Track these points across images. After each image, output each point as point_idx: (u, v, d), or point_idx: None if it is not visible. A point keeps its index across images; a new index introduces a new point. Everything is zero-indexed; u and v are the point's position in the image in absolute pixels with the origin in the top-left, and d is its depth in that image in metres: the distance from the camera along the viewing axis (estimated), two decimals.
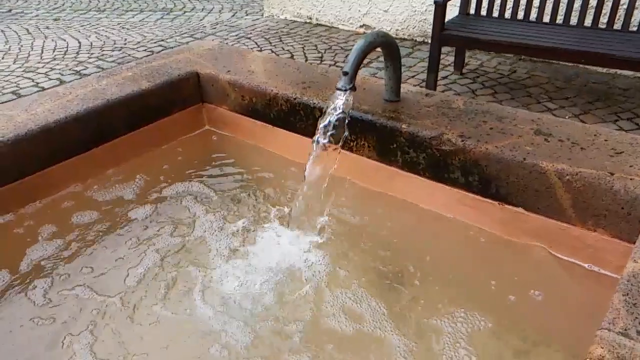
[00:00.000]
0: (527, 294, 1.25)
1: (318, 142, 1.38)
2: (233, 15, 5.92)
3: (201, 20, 5.77)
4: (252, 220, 1.54)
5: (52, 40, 5.06)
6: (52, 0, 6.87)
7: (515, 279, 1.30)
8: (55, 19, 5.91)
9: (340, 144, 1.40)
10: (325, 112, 1.39)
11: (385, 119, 1.48)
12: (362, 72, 2.90)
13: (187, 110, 1.93)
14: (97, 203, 1.60)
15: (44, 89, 3.81)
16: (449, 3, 3.32)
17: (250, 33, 5.17)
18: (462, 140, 1.35)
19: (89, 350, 1.15)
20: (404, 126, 1.44)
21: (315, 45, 4.71)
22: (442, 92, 2.63)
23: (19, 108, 1.62)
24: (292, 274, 1.35)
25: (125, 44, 4.90)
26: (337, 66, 4.15)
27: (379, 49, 1.45)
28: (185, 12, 6.15)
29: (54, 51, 4.71)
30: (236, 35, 5.11)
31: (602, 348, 0.78)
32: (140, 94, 1.75)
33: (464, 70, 3.98)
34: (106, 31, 5.36)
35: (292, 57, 4.41)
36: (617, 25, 3.33)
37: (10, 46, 4.91)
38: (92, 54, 4.62)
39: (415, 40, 4.80)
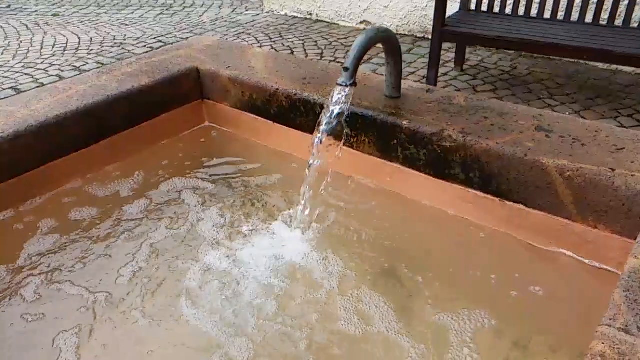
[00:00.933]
0: (528, 290, 1.25)
1: (319, 139, 1.38)
2: (233, 11, 5.90)
3: (201, 16, 5.75)
4: (253, 217, 1.54)
5: (52, 36, 5.04)
6: None
7: (516, 275, 1.30)
8: (54, 15, 5.90)
9: (342, 141, 1.40)
10: (325, 108, 1.38)
11: (386, 115, 1.48)
12: (363, 69, 2.90)
13: (187, 106, 1.92)
14: (97, 199, 1.60)
15: (43, 85, 3.81)
16: None
17: (250, 29, 5.16)
18: (463, 137, 1.35)
19: (83, 347, 1.15)
20: (404, 122, 1.44)
21: (316, 42, 4.70)
22: (442, 88, 2.61)
23: (18, 104, 1.61)
24: (292, 271, 1.34)
25: (124, 40, 4.89)
26: (337, 62, 4.14)
27: (379, 45, 1.45)
28: (184, 8, 6.13)
29: (53, 47, 4.70)
30: (236, 31, 5.10)
31: (603, 344, 0.78)
32: (140, 90, 1.74)
33: (465, 67, 3.97)
34: (106, 27, 5.34)
35: (292, 53, 4.40)
36: (618, 22, 3.32)
37: (9, 42, 4.90)
38: (91, 50, 4.61)
39: (416, 37, 4.79)
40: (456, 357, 1.10)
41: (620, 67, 3.78)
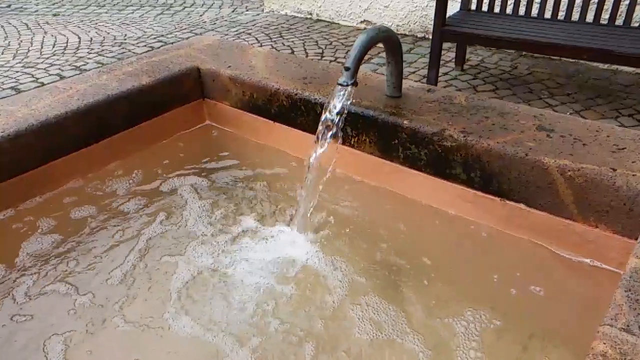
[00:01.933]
0: (529, 290, 1.25)
1: (320, 139, 1.38)
2: (233, 11, 5.90)
3: (201, 15, 5.75)
4: (253, 217, 1.54)
5: (52, 35, 5.04)
6: None
7: (517, 274, 1.30)
8: (54, 15, 5.90)
9: (339, 140, 1.40)
10: (326, 108, 1.38)
11: (387, 115, 1.47)
12: (363, 68, 2.90)
13: (188, 106, 1.92)
14: (97, 198, 1.59)
15: (43, 84, 3.81)
16: None
17: (251, 28, 5.16)
18: (464, 136, 1.35)
19: (73, 351, 1.15)
20: (405, 122, 1.44)
21: (316, 41, 4.70)
22: (443, 88, 2.61)
23: (19, 103, 1.61)
24: (292, 271, 1.34)
25: (125, 39, 4.89)
26: (337, 62, 4.14)
27: (380, 45, 1.45)
28: (185, 7, 6.13)
29: (53, 46, 4.70)
30: (236, 30, 5.10)
31: (605, 344, 0.78)
32: (140, 90, 1.74)
33: (465, 66, 3.97)
34: (106, 27, 5.34)
35: (292, 52, 4.40)
36: (619, 21, 3.32)
37: (9, 41, 4.90)
38: (91, 49, 4.61)
39: (416, 36, 4.79)
40: (456, 357, 1.10)
41: (620, 67, 3.78)
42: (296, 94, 1.66)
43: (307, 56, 4.31)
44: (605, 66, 3.84)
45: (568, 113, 3.17)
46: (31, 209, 1.52)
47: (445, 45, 3.86)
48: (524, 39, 3.10)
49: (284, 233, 1.47)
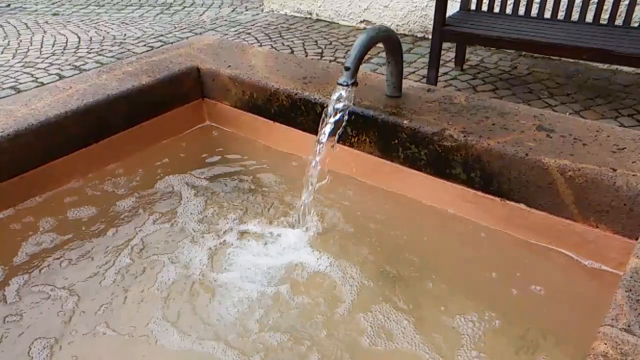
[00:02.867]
0: (529, 289, 1.25)
1: (321, 140, 1.37)
2: (233, 11, 5.90)
3: (201, 15, 5.75)
4: (253, 217, 1.54)
5: (51, 35, 5.04)
6: None
7: (517, 274, 1.30)
8: (54, 14, 5.89)
9: (336, 139, 1.40)
10: (326, 108, 1.38)
11: (387, 115, 1.47)
12: (363, 68, 2.89)
13: (188, 106, 1.92)
14: (97, 198, 1.59)
15: (43, 84, 3.80)
16: None
17: (250, 28, 5.15)
18: (464, 136, 1.35)
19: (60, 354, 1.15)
20: (405, 122, 1.44)
21: (316, 41, 4.70)
22: (443, 87, 2.61)
23: (18, 103, 1.61)
24: (292, 270, 1.34)
25: (124, 39, 4.89)
26: (337, 62, 4.14)
27: (379, 45, 1.45)
28: (184, 7, 6.12)
29: (53, 46, 4.69)
30: (236, 30, 5.10)
31: (606, 344, 0.78)
32: (140, 89, 1.74)
33: (465, 66, 3.97)
34: (105, 26, 5.34)
35: (292, 52, 4.40)
36: (619, 22, 3.32)
37: (9, 41, 4.89)
38: (91, 49, 4.61)
39: (416, 36, 4.79)
40: (456, 357, 1.10)
41: (620, 67, 3.78)
42: (296, 94, 1.66)
43: (306, 56, 4.31)
44: (605, 66, 3.84)
45: (568, 113, 3.17)
46: (31, 209, 1.52)
47: (445, 45, 3.86)
48: (523, 39, 3.10)
49: (284, 233, 1.47)
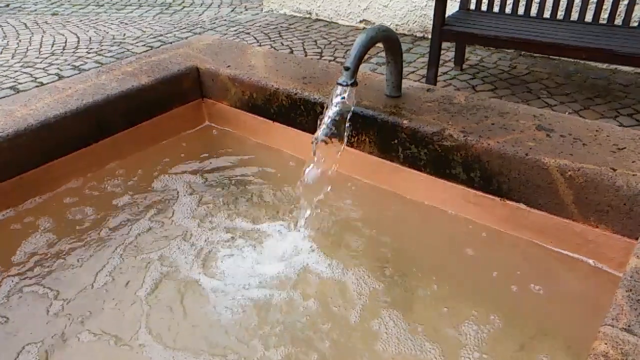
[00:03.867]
0: (529, 289, 1.25)
1: (319, 140, 1.37)
2: (232, 10, 5.89)
3: (200, 15, 5.74)
4: (252, 217, 1.54)
5: (51, 35, 5.03)
6: None
7: (517, 274, 1.30)
8: (53, 14, 5.88)
9: (345, 141, 1.40)
10: (326, 108, 1.38)
11: (387, 115, 1.47)
12: (362, 68, 2.88)
13: (187, 106, 1.92)
14: (96, 198, 1.59)
15: (42, 84, 3.80)
16: None
17: (250, 28, 5.15)
18: (464, 136, 1.35)
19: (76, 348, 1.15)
20: (405, 122, 1.44)
21: (315, 41, 4.69)
22: (442, 87, 2.61)
23: (18, 103, 1.61)
24: (291, 271, 1.34)
25: (124, 39, 4.88)
26: (337, 62, 4.13)
27: (379, 45, 1.44)
28: (184, 7, 6.12)
29: (52, 46, 4.69)
30: (235, 30, 5.09)
31: (606, 344, 0.78)
32: (139, 89, 1.74)
33: (464, 66, 3.97)
34: (105, 26, 5.33)
35: (291, 52, 4.39)
36: (618, 21, 3.32)
37: (8, 41, 4.88)
38: (90, 49, 4.60)
39: (415, 36, 4.79)
40: (456, 356, 1.10)
41: (619, 67, 3.77)
42: (296, 94, 1.65)
43: (306, 56, 4.31)
44: (605, 66, 3.84)
45: (567, 112, 3.17)
46: (31, 209, 1.52)
47: (445, 44, 3.85)
48: (523, 38, 3.09)
49: (283, 233, 1.47)
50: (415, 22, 4.77)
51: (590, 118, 3.02)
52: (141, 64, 1.90)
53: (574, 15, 3.36)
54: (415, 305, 1.23)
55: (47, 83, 3.74)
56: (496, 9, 3.62)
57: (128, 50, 4.55)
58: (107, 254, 1.40)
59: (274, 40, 4.72)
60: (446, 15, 3.34)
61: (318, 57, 4.27)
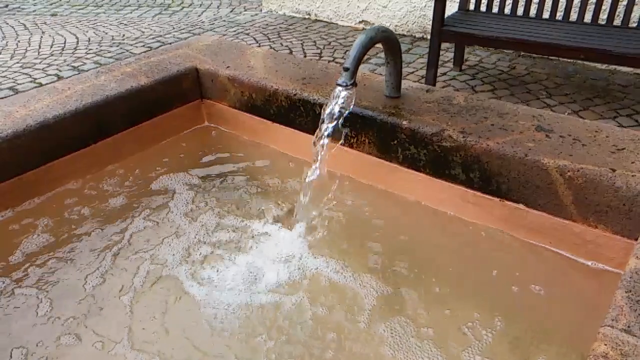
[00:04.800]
0: (529, 289, 1.25)
1: (319, 141, 1.37)
2: (231, 11, 5.89)
3: (199, 16, 5.74)
4: (251, 217, 1.53)
5: (50, 35, 5.03)
6: None
7: (516, 274, 1.30)
8: (52, 15, 5.88)
9: (341, 141, 1.40)
10: (325, 109, 1.38)
11: (386, 115, 1.47)
12: (361, 68, 2.87)
13: (187, 106, 1.92)
14: (95, 199, 1.59)
15: (41, 84, 3.80)
16: None
17: (249, 29, 5.15)
18: (463, 137, 1.35)
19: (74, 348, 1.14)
20: (404, 122, 1.44)
21: (314, 41, 4.69)
22: (441, 88, 2.60)
23: (17, 104, 1.60)
24: (290, 271, 1.34)
25: (123, 39, 4.88)
26: (336, 62, 4.14)
27: (378, 45, 1.44)
28: (183, 7, 6.12)
29: (51, 47, 4.69)
30: (235, 30, 5.09)
31: (606, 345, 0.78)
32: (139, 90, 1.74)
33: (463, 67, 3.97)
34: (104, 27, 5.33)
35: (290, 52, 4.39)
36: (617, 22, 3.32)
37: (7, 42, 4.88)
38: (90, 49, 4.60)
39: (415, 36, 4.79)
40: (456, 357, 1.10)
41: (618, 67, 3.78)
42: (295, 95, 1.65)
43: (305, 56, 4.31)
44: (604, 66, 3.84)
45: (566, 113, 3.17)
46: (30, 210, 1.52)
47: (444, 45, 3.86)
48: (522, 39, 3.10)
49: (282, 234, 1.47)
50: (415, 22, 4.77)
51: (589, 118, 3.02)
52: (140, 65, 1.90)
53: (573, 16, 3.37)
54: (412, 304, 1.23)
55: (46, 84, 3.74)
56: (495, 9, 3.63)
57: (127, 50, 4.55)
58: (105, 256, 1.40)
59: (273, 41, 4.72)
60: (445, 16, 3.34)
61: (317, 57, 4.27)
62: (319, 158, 1.37)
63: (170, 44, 4.61)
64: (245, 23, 5.37)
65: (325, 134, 1.36)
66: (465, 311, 1.20)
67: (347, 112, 1.37)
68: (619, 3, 3.19)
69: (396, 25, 4.89)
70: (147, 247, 1.42)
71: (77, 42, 4.80)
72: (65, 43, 4.79)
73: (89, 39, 4.91)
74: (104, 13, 5.93)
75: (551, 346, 1.12)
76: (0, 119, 1.51)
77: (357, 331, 1.17)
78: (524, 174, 1.28)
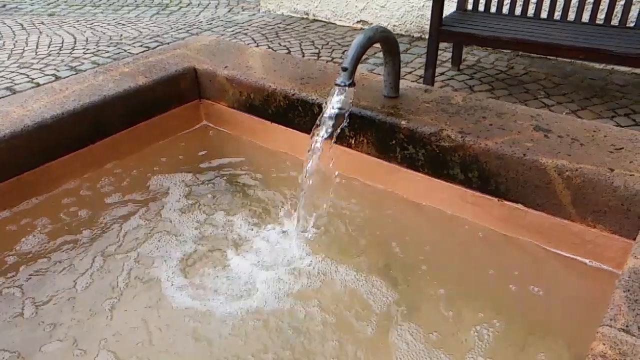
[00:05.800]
0: (527, 289, 1.25)
1: (317, 140, 1.37)
2: (229, 11, 5.89)
3: (197, 15, 5.74)
4: (249, 217, 1.53)
5: (47, 35, 5.02)
6: None
7: (515, 273, 1.30)
8: (50, 15, 5.87)
9: (333, 140, 1.39)
10: (324, 109, 1.38)
11: (385, 115, 1.47)
12: (360, 68, 2.87)
13: (185, 106, 1.92)
14: (93, 199, 1.59)
15: (39, 84, 3.79)
16: None
17: (247, 29, 5.15)
18: (462, 137, 1.35)
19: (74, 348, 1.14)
20: (403, 122, 1.44)
21: (312, 41, 4.69)
22: (440, 88, 2.60)
23: (14, 104, 1.60)
24: (289, 272, 1.34)
25: (121, 39, 4.87)
26: (334, 62, 4.13)
27: (376, 45, 1.44)
28: (181, 7, 6.11)
29: (49, 47, 4.68)
30: (233, 30, 5.09)
31: (604, 344, 0.78)
32: (137, 90, 1.73)
33: (462, 67, 3.97)
34: (102, 27, 5.32)
35: (289, 52, 4.39)
36: (615, 21, 3.33)
37: (4, 42, 4.87)
38: (87, 49, 4.59)
39: (413, 36, 4.79)
40: (456, 357, 1.10)
41: (616, 67, 3.78)
42: (293, 94, 1.65)
43: (303, 56, 4.31)
44: (602, 66, 3.85)
45: (564, 113, 3.17)
46: (27, 210, 1.51)
47: (442, 45, 3.86)
48: (520, 39, 3.10)
49: (279, 233, 1.46)
50: (413, 22, 4.77)
51: (587, 118, 3.02)
52: (138, 65, 1.89)
53: (571, 16, 3.37)
54: (411, 304, 1.23)
55: (44, 84, 3.73)
56: (493, 9, 3.63)
57: (125, 50, 4.54)
58: (103, 256, 1.39)
59: (271, 41, 4.72)
60: (443, 16, 3.35)
61: (315, 57, 4.27)
62: (312, 156, 1.37)
63: (168, 44, 4.60)
64: (243, 23, 5.37)
65: (325, 134, 1.36)
66: (463, 311, 1.20)
67: (347, 112, 1.37)
68: (617, 3, 3.19)
69: (394, 25, 4.89)
70: (145, 247, 1.42)
71: (75, 42, 4.80)
72: (62, 43, 4.78)
73: (87, 39, 4.90)
74: (102, 13, 5.92)
75: (550, 345, 1.12)
76: None
77: (357, 331, 1.17)
78: (522, 174, 1.28)
